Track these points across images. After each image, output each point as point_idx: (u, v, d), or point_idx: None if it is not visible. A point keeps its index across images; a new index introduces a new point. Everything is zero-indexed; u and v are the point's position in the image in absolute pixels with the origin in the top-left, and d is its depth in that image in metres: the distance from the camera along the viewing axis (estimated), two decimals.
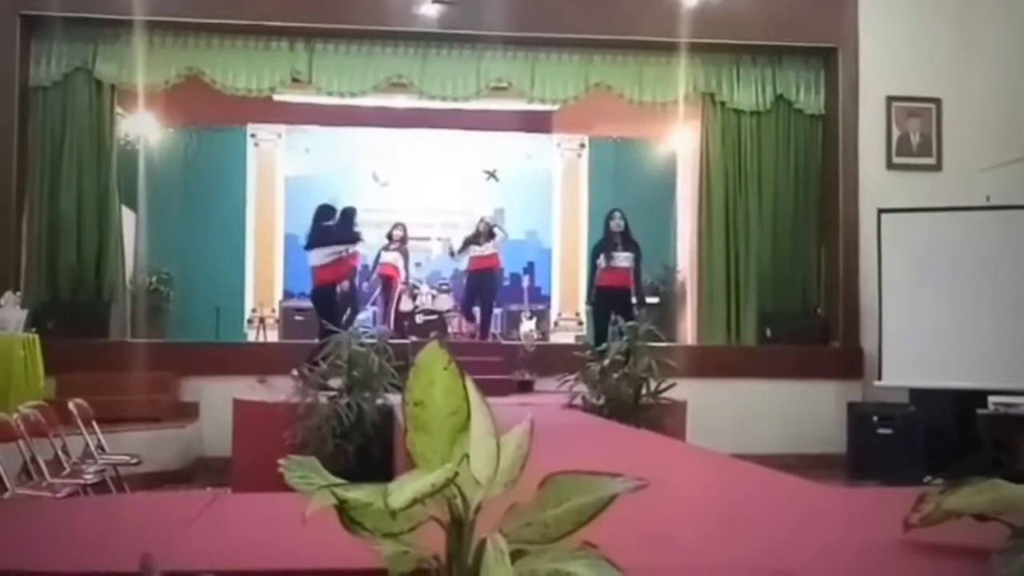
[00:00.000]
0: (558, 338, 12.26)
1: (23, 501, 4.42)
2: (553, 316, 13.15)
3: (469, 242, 11.31)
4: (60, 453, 5.85)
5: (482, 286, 11.20)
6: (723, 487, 2.97)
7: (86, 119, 9.84)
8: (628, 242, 8.84)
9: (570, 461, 1.46)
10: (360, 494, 1.28)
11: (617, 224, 8.86)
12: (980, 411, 7.92)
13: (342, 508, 1.28)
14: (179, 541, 1.87)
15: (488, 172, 13.86)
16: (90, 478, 5.73)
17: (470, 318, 11.45)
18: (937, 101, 10.12)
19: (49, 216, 9.70)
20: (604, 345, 7.34)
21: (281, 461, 1.38)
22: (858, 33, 10.14)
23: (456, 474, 1.27)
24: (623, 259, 8.71)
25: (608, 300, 8.53)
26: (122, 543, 1.85)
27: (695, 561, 1.85)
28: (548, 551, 1.32)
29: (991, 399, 7.95)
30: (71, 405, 6.29)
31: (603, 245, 8.92)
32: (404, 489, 1.24)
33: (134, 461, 6.45)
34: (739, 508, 2.48)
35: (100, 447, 6.40)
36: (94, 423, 6.46)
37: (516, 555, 1.29)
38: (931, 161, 10.13)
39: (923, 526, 1.80)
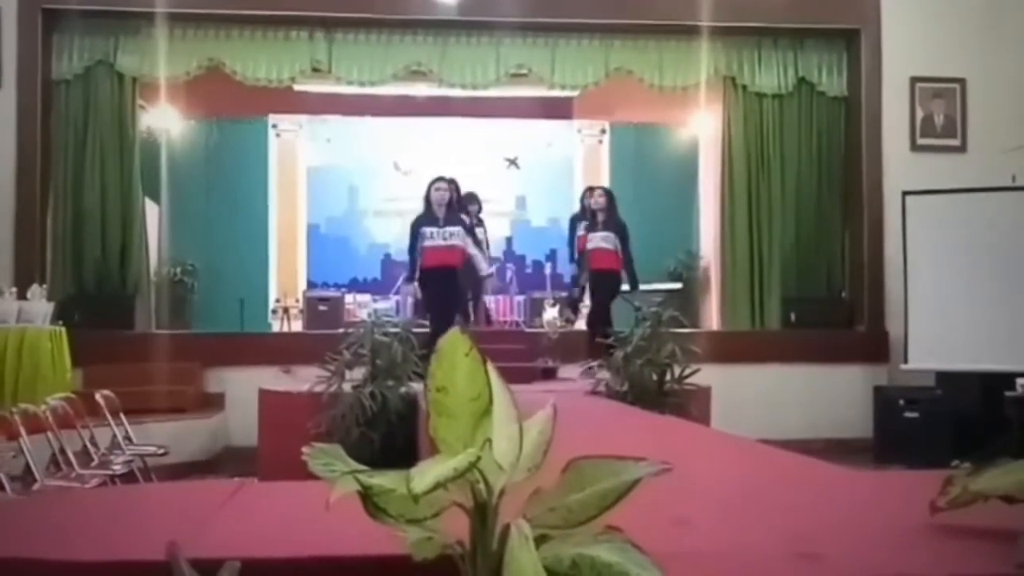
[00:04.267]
0: (582, 325, 12.22)
1: (52, 492, 4.47)
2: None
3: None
4: (88, 444, 5.93)
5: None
6: (747, 471, 2.96)
7: (108, 112, 9.91)
8: (611, 222, 8.66)
9: (593, 446, 1.46)
10: (383, 480, 1.28)
11: (596, 202, 8.79)
12: (1008, 393, 7.85)
13: (365, 494, 1.28)
14: (205, 529, 1.88)
15: (509, 160, 13.83)
16: (118, 468, 5.80)
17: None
18: (961, 81, 10.03)
19: (73, 209, 9.78)
20: (609, 330, 7.40)
21: (304, 449, 1.38)
22: (881, 14, 10.07)
23: (478, 458, 1.27)
24: (600, 239, 8.61)
25: (595, 283, 8.79)
26: (149, 532, 1.87)
27: (719, 545, 1.84)
28: (572, 536, 1.32)
29: (1019, 381, 7.88)
30: (98, 397, 6.36)
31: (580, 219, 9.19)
32: (426, 474, 1.24)
33: (161, 452, 6.52)
34: (763, 492, 2.47)
35: (127, 438, 6.47)
36: (121, 414, 6.53)
37: (540, 540, 1.29)
38: (956, 142, 10.04)
39: (950, 509, 1.79)
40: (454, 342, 1.39)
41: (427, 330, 9.06)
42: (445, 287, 8.06)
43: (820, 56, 10.43)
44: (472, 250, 8.30)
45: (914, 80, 10.06)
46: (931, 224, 9.00)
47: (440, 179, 8.29)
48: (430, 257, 8.01)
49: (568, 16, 9.95)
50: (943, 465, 7.04)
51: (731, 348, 9.40)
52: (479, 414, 1.37)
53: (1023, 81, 9.50)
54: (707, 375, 7.08)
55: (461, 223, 8.26)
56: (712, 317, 11.05)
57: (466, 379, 1.37)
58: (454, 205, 8.35)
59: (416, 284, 8.19)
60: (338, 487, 1.27)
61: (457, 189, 8.85)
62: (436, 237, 8.02)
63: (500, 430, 1.37)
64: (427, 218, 8.16)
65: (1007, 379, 7.97)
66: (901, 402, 8.90)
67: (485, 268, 8.60)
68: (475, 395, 1.37)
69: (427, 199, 8.19)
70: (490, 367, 1.39)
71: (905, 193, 9.16)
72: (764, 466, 3.11)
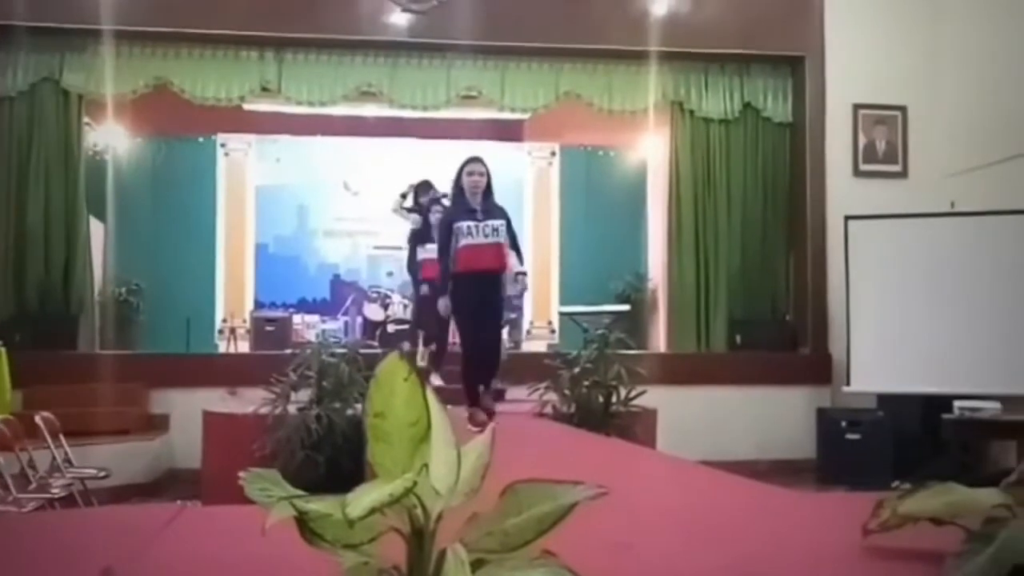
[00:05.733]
0: (530, 347, 12.27)
1: None
2: (525, 325, 13.15)
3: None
4: (26, 467, 5.81)
5: None
6: (687, 494, 3.00)
7: (53, 129, 9.77)
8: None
9: (536, 469, 1.47)
10: (319, 505, 1.29)
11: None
12: (946, 416, 8.01)
13: (302, 520, 1.28)
14: (142, 555, 1.87)
15: None
16: (57, 492, 5.70)
17: None
18: (903, 109, 10.24)
19: (16, 227, 9.61)
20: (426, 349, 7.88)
21: (241, 474, 1.38)
22: (824, 42, 10.25)
23: (414, 484, 1.27)
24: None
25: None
26: (85, 558, 1.85)
27: (656, 569, 1.87)
28: (508, 559, 1.33)
29: (956, 404, 8.05)
30: (38, 418, 6.25)
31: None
32: (362, 499, 1.24)
33: (102, 475, 6.42)
34: (702, 515, 2.50)
35: (67, 460, 6.36)
36: (61, 436, 6.42)
37: (476, 564, 1.30)
38: (897, 168, 10.24)
39: (881, 531, 1.83)
40: (393, 367, 1.39)
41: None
42: (486, 296, 6.23)
43: (766, 82, 10.58)
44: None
45: (857, 107, 10.24)
46: (873, 248, 9.16)
47: (475, 160, 6.38)
48: (467, 259, 6.13)
49: (518, 40, 10.02)
50: (885, 485, 7.16)
51: (678, 370, 9.48)
52: (417, 439, 1.37)
53: (962, 109, 9.72)
54: (654, 397, 7.14)
55: (504, 215, 6.33)
56: (660, 339, 11.13)
57: (404, 405, 1.38)
58: (492, 192, 6.35)
59: (447, 298, 6.31)
60: (274, 512, 1.27)
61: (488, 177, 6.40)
62: (475, 234, 6.13)
63: (438, 455, 1.38)
64: (461, 210, 6.28)
65: (946, 401, 8.13)
66: (844, 424, 9.03)
67: (517, 263, 6.40)
68: (413, 420, 1.37)
69: (458, 185, 6.36)
70: (429, 392, 1.40)
71: (848, 218, 9.32)
72: (704, 489, 3.14)
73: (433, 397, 1.41)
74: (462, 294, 6.24)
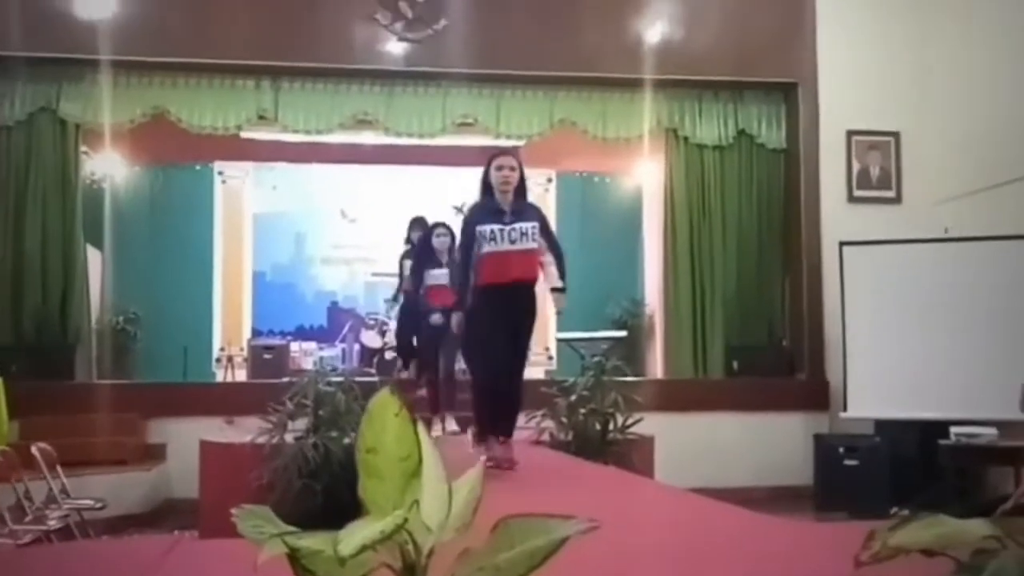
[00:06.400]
0: (528, 373, 12.21)
1: None
2: None
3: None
4: (23, 499, 5.80)
5: None
6: (680, 524, 3.00)
7: (50, 159, 9.79)
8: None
9: (530, 501, 1.48)
10: (311, 542, 1.29)
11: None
12: (942, 442, 8.01)
13: (293, 556, 1.29)
14: None
15: (456, 207, 13.87)
16: (53, 524, 5.68)
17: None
18: (896, 135, 10.30)
19: (13, 257, 9.61)
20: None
21: (234, 510, 1.39)
22: (817, 68, 10.31)
23: (406, 520, 1.28)
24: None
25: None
26: None
27: None
28: None
29: (953, 430, 8.05)
30: (34, 449, 6.23)
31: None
32: (354, 537, 1.25)
33: (98, 506, 6.40)
34: (695, 546, 2.50)
35: (64, 491, 6.34)
36: (58, 467, 6.40)
37: None
38: (891, 194, 10.28)
39: (873, 563, 1.83)
40: (384, 402, 1.41)
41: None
42: (512, 315, 5.30)
43: (759, 109, 10.64)
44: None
45: (850, 133, 10.30)
46: (868, 274, 9.18)
47: (505, 152, 5.67)
48: (490, 269, 5.25)
49: (513, 68, 10.08)
50: (883, 511, 7.15)
51: (675, 396, 9.47)
52: (408, 475, 1.39)
53: (955, 135, 9.77)
54: (651, 424, 7.14)
55: (538, 215, 5.49)
56: (657, 365, 11.13)
57: (395, 440, 1.39)
58: (526, 191, 5.53)
59: (460, 315, 5.52)
60: (266, 549, 1.28)
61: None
62: (500, 239, 5.23)
63: (429, 490, 1.39)
64: (486, 211, 5.36)
65: (943, 427, 8.13)
66: (841, 450, 9.01)
67: (555, 276, 5.49)
68: (404, 455, 1.39)
69: (485, 182, 5.43)
70: (420, 427, 1.41)
71: (842, 243, 9.34)
72: (698, 519, 3.15)
73: (424, 432, 1.42)
74: (483, 312, 5.28)
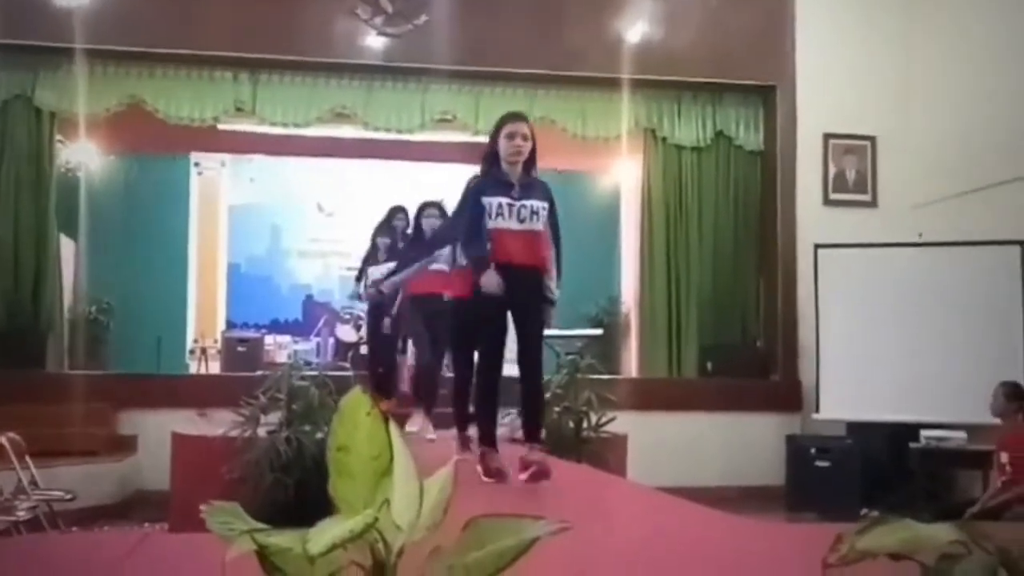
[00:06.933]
0: (506, 371, 12.23)
1: None
2: None
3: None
4: None
5: None
6: (651, 525, 3.01)
7: (25, 146, 9.70)
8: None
9: (503, 500, 1.48)
10: (280, 540, 1.29)
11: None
12: (913, 445, 8.08)
13: (262, 554, 1.29)
14: None
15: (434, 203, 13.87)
16: (22, 515, 5.64)
17: None
18: (872, 139, 10.36)
19: None
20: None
21: (203, 507, 1.38)
22: (796, 72, 10.37)
23: (376, 519, 1.28)
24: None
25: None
26: None
27: None
28: None
29: (923, 433, 8.12)
30: (3, 439, 6.16)
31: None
32: (323, 535, 1.25)
33: (68, 497, 6.35)
34: (667, 546, 2.51)
35: (34, 482, 6.28)
36: (27, 457, 6.34)
37: None
38: (866, 198, 10.35)
39: (841, 565, 1.85)
40: (355, 401, 1.41)
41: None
42: (518, 299, 4.79)
43: (737, 111, 10.69)
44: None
45: (827, 136, 10.36)
46: (842, 277, 9.25)
47: (517, 118, 4.89)
48: (496, 247, 4.67)
49: (493, 65, 10.07)
50: (853, 512, 7.20)
51: (649, 395, 9.50)
52: (379, 473, 1.38)
53: (930, 140, 9.85)
54: (624, 422, 7.16)
55: (547, 194, 4.91)
56: (632, 364, 11.16)
57: (367, 439, 1.39)
58: (535, 165, 4.90)
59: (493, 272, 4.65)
60: (235, 547, 1.28)
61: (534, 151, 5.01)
62: (507, 215, 4.67)
63: (400, 489, 1.39)
64: (493, 182, 4.76)
65: (913, 430, 8.21)
66: (813, 451, 9.06)
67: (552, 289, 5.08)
68: (375, 454, 1.38)
69: (492, 151, 4.81)
70: (392, 426, 1.41)
71: (817, 246, 9.40)
72: (670, 519, 3.16)
73: (396, 431, 1.42)
74: (482, 296, 4.67)
